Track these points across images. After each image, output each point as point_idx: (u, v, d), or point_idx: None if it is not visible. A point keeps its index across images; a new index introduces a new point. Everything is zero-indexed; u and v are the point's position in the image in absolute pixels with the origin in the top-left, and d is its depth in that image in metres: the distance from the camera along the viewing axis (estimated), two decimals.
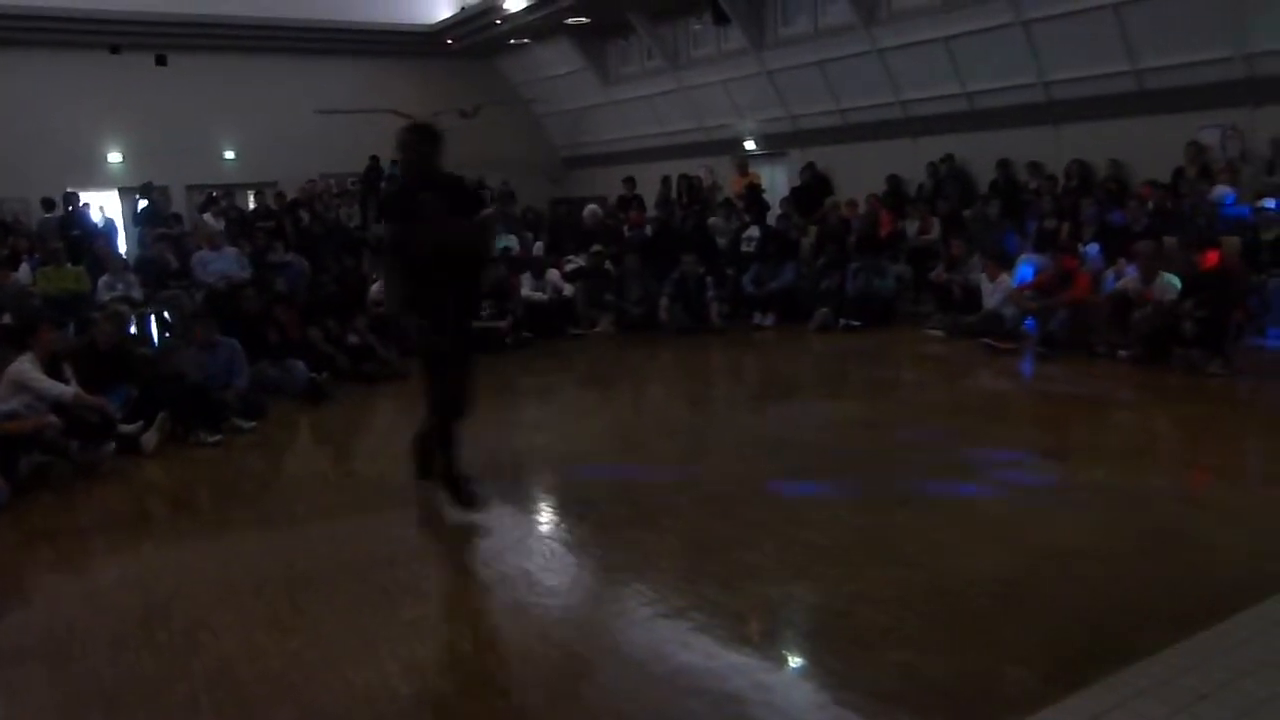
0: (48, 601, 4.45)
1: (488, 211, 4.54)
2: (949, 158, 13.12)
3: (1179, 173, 10.48)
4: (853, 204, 13.09)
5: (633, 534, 4.63)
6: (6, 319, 9.53)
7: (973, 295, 9.91)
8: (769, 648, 3.44)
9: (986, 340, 9.13)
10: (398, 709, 3.05)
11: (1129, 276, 8.49)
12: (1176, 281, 8.01)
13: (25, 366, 6.31)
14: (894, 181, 13.42)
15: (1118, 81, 11.20)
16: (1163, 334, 7.88)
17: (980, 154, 12.80)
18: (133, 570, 4.65)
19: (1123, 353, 8.18)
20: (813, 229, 12.93)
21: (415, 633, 3.65)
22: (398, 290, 4.73)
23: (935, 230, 11.84)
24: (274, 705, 3.09)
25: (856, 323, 10.59)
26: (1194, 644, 3.12)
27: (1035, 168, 11.91)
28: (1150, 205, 9.95)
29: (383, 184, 16.79)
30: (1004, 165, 12.32)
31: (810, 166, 14.77)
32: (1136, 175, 11.07)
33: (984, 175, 12.71)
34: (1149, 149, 10.87)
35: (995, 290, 9.58)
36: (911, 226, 12.15)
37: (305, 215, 14.61)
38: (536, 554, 4.44)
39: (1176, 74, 10.67)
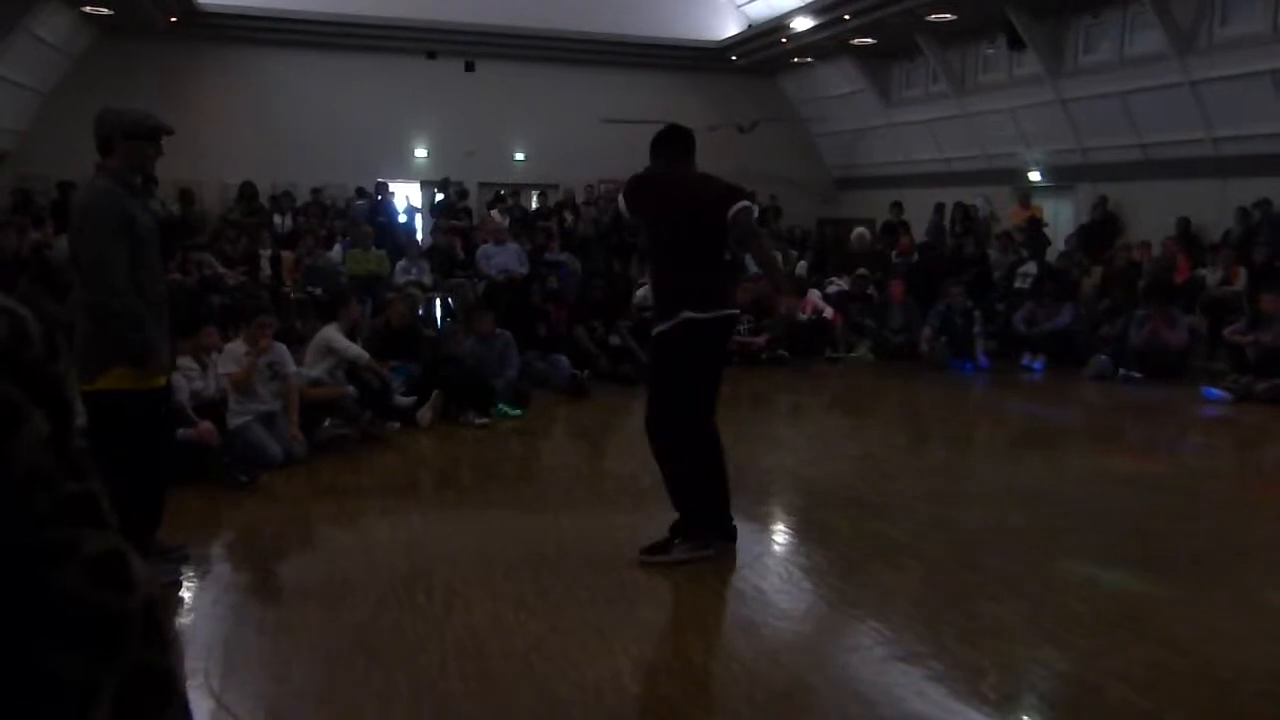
0: (328, 551, 4.95)
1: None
2: (1264, 202, 11.87)
3: None
4: (1145, 245, 12.12)
5: (873, 569, 4.53)
6: (319, 292, 10.67)
7: (1271, 357, 8.89)
8: (1010, 712, 3.26)
9: None
10: (627, 708, 3.15)
11: None
12: None
13: (331, 332, 7.15)
14: (1184, 224, 12.32)
15: None
16: None
17: None
18: (401, 533, 5.06)
19: None
20: (1097, 269, 12.09)
21: (648, 635, 3.75)
22: None
23: (1241, 281, 10.76)
24: (515, 684, 3.27)
25: (1138, 374, 9.79)
26: None
27: None
28: None
29: None
30: None
31: (1102, 202, 13.84)
32: None
33: None
34: None
35: None
36: (1214, 275, 11.10)
37: (570, 217, 15.39)
38: (774, 574, 4.44)
39: None
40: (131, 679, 0.75)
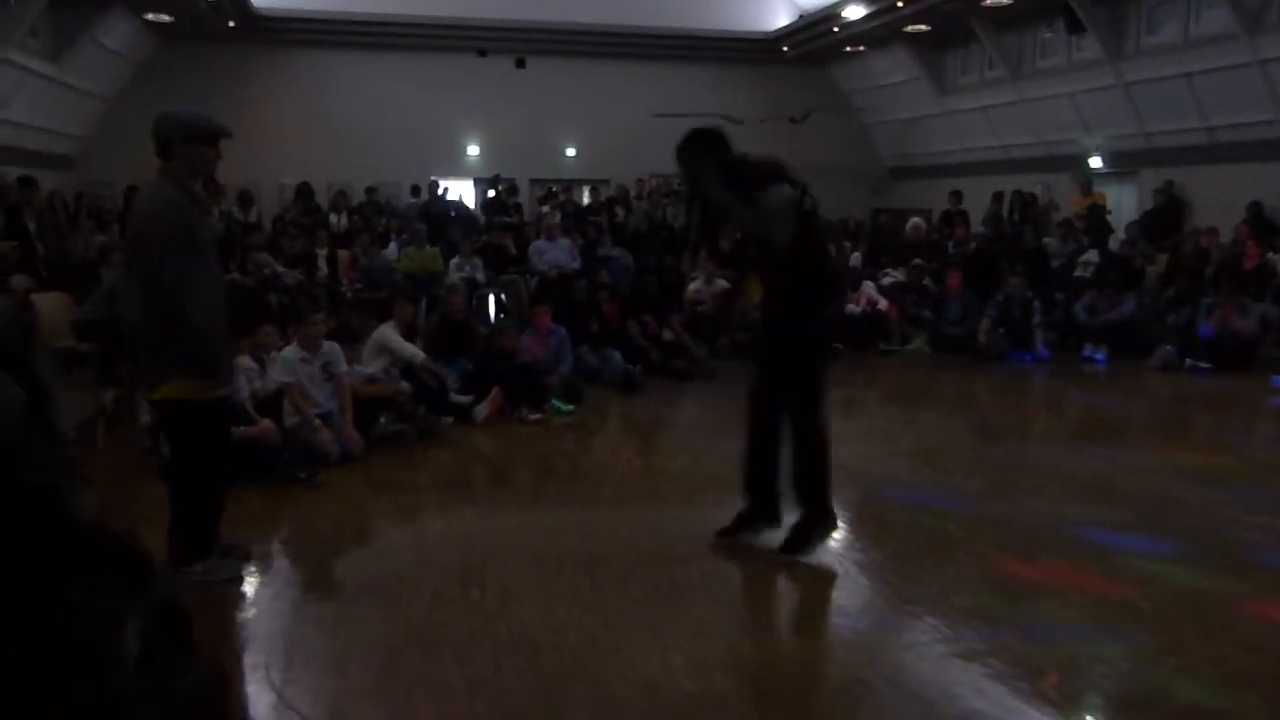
0: (384, 547, 5.01)
1: None
2: None
3: None
4: (1213, 231, 11.78)
5: (929, 565, 4.47)
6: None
7: None
8: (1073, 711, 3.19)
9: None
10: (680, 705, 3.14)
11: None
12: None
13: (387, 331, 7.25)
14: (1255, 208, 11.94)
15: None
16: None
17: None
18: (456, 529, 5.11)
19: None
20: (1162, 257, 11.77)
21: (702, 631, 3.74)
22: None
23: None
24: (568, 679, 3.28)
25: (1206, 364, 9.52)
26: None
27: None
28: None
29: None
30: None
31: (1167, 188, 13.47)
32: None
33: None
34: None
35: None
36: None
37: (621, 211, 15.41)
38: (829, 570, 4.39)
39: None
40: (158, 615, 0.75)
